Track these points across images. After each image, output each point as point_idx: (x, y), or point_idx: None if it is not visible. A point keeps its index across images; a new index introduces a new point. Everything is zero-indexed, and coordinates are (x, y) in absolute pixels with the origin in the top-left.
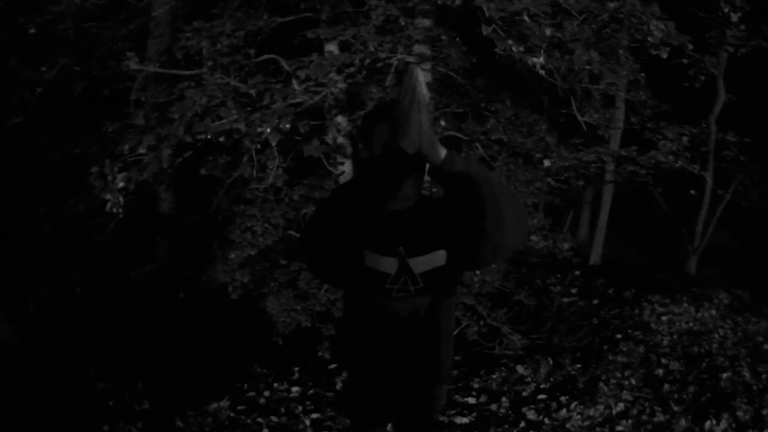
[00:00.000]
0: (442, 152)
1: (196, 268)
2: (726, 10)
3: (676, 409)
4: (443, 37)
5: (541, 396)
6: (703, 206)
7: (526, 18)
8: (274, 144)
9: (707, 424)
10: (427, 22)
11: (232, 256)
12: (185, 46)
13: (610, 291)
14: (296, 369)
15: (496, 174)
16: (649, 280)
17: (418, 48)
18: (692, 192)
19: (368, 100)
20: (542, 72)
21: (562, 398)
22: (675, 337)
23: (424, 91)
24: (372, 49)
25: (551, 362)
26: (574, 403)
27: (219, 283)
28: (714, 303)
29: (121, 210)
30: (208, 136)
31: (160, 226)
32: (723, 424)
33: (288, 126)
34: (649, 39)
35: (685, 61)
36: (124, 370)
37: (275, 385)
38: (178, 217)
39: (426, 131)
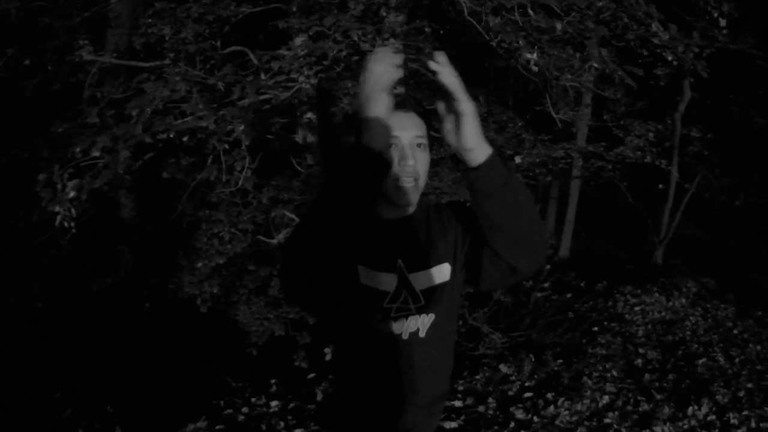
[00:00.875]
0: (484, 152)
1: (162, 277)
2: (715, 15)
3: (658, 397)
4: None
5: (528, 394)
6: (669, 199)
7: (530, 12)
8: (246, 144)
9: (689, 410)
10: (400, 18)
11: (199, 265)
12: (146, 33)
13: (582, 284)
14: (273, 381)
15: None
16: (618, 271)
17: (390, 43)
18: (660, 186)
19: (342, 96)
20: (535, 68)
21: (549, 395)
22: (649, 326)
23: (381, 71)
24: (356, 38)
25: (534, 359)
26: (561, 399)
27: (187, 295)
28: (683, 291)
29: (73, 224)
30: (171, 135)
31: (121, 235)
32: (704, 409)
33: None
34: (654, 40)
35: (671, 61)
36: (92, 393)
37: (253, 400)
38: (141, 224)
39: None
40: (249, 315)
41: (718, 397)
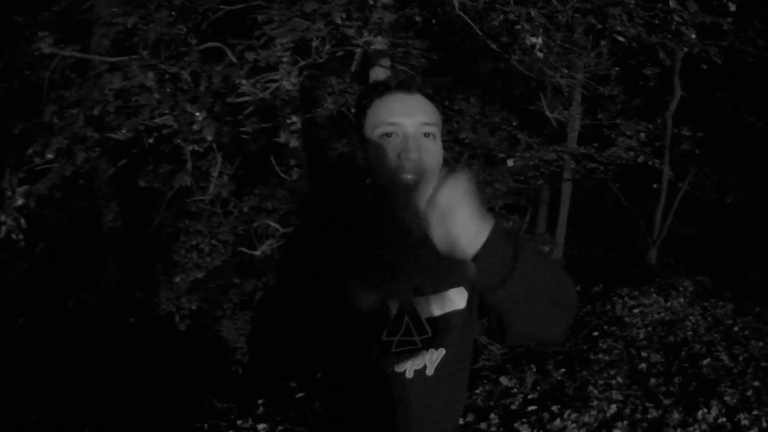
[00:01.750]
0: (479, 237)
1: (147, 290)
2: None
3: (666, 402)
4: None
5: (532, 407)
6: (661, 198)
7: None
8: (209, 138)
9: (699, 413)
10: (388, 15)
11: (177, 279)
12: (110, 23)
13: (578, 287)
14: (260, 402)
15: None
16: (613, 273)
17: (378, 41)
18: (655, 186)
19: (327, 96)
20: (540, 54)
21: (554, 407)
22: (650, 328)
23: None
24: (339, 21)
25: (535, 370)
26: (567, 411)
27: (164, 311)
28: (680, 291)
29: (21, 237)
30: (125, 131)
31: (105, 245)
32: (714, 411)
33: (226, 110)
34: (675, 17)
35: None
36: (71, 415)
37: (239, 422)
38: (125, 234)
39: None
40: (233, 331)
41: (726, 398)
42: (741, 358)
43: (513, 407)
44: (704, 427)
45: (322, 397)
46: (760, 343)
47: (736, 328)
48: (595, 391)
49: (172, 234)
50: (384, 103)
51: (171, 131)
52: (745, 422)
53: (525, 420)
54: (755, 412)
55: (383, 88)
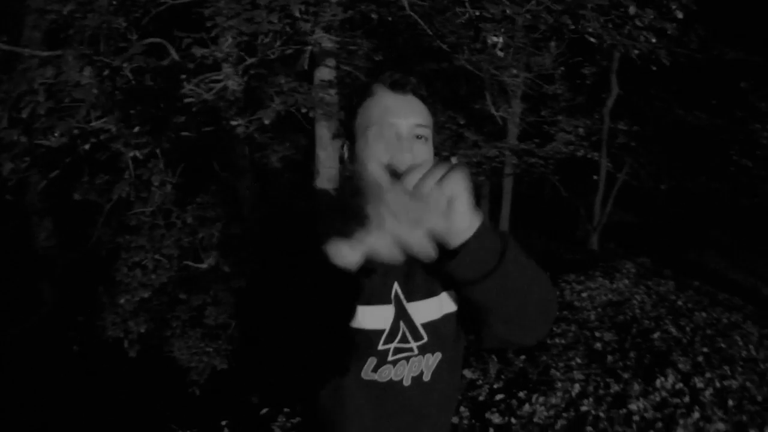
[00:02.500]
0: (469, 226)
1: (89, 314)
2: (673, 6)
3: (625, 376)
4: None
5: (499, 396)
6: (600, 188)
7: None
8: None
9: (657, 382)
10: (341, 12)
11: (122, 301)
12: (43, 10)
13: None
14: (224, 423)
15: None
16: (558, 261)
17: (324, 39)
18: (595, 177)
19: (274, 95)
20: (500, 53)
21: (520, 394)
22: (600, 310)
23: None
24: (297, 14)
25: (497, 360)
26: (534, 396)
27: (111, 338)
28: (624, 273)
29: None
30: (58, 136)
31: (40, 266)
32: (670, 379)
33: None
34: (637, 22)
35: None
36: None
37: None
38: (61, 253)
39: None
40: (185, 350)
41: (680, 365)
42: (688, 328)
43: (481, 398)
44: (663, 393)
45: (312, 411)
46: (703, 314)
47: (679, 303)
48: (558, 374)
49: (112, 251)
50: (377, 102)
51: (109, 135)
52: (700, 385)
53: (495, 409)
54: (708, 375)
55: (377, 87)
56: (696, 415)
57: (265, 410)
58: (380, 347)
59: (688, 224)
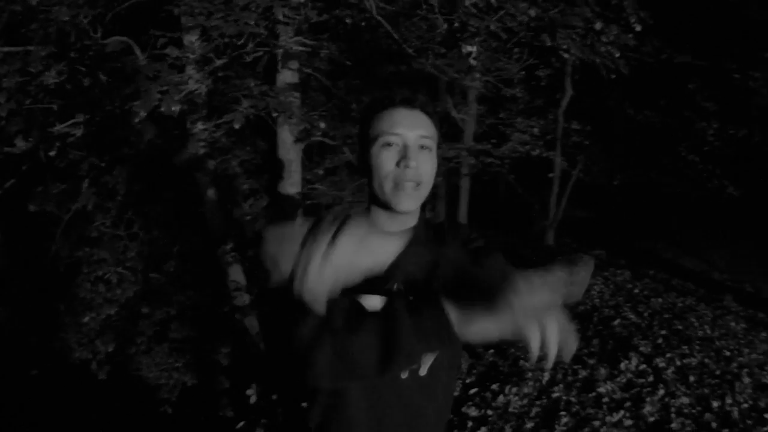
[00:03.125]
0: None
1: (48, 333)
2: (632, 20)
3: (591, 362)
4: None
5: (473, 390)
6: (554, 185)
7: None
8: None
9: (622, 365)
10: (314, 14)
11: (87, 319)
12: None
13: None
14: None
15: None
16: (515, 256)
17: (295, 43)
18: (550, 175)
19: (242, 99)
20: (473, 62)
21: (493, 386)
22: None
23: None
24: (281, 17)
25: (467, 355)
26: (507, 387)
27: (79, 360)
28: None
29: None
30: (24, 142)
31: None
32: (634, 361)
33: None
34: (603, 38)
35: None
36: None
37: None
38: (15, 270)
39: None
40: (153, 367)
41: (641, 348)
42: (646, 314)
43: (456, 394)
44: (629, 375)
45: (308, 403)
46: (659, 300)
47: (636, 291)
48: (527, 364)
49: (72, 265)
50: (388, 115)
51: (74, 140)
52: (662, 365)
53: (471, 403)
54: (668, 355)
55: (388, 102)
56: (661, 392)
57: (241, 424)
58: None
59: (640, 217)
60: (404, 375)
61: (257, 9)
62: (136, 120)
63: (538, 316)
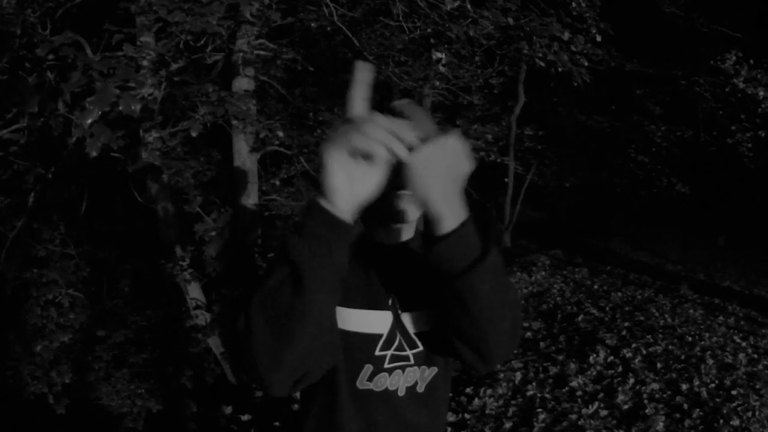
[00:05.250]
0: (454, 217)
1: (3, 358)
2: (593, 31)
3: (560, 358)
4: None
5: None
6: (509, 189)
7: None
8: (94, 153)
9: (590, 359)
10: (278, 17)
11: (39, 348)
12: None
13: None
14: None
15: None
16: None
17: (254, 47)
18: (505, 179)
19: (199, 105)
20: (443, 68)
21: (467, 390)
22: (523, 302)
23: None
24: (249, 15)
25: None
26: (482, 389)
27: (34, 395)
28: (539, 266)
29: None
30: None
31: None
32: (602, 354)
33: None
34: (572, 48)
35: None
36: None
37: None
38: None
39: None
40: (114, 395)
41: (607, 341)
42: (607, 308)
43: None
44: (598, 367)
45: (303, 422)
46: (619, 293)
47: (595, 287)
48: (498, 366)
49: (20, 288)
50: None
51: (18, 148)
52: (629, 355)
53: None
54: (634, 345)
55: (386, 112)
56: (631, 381)
57: None
58: (377, 353)
59: (593, 216)
60: (402, 393)
61: (221, 6)
62: (89, 121)
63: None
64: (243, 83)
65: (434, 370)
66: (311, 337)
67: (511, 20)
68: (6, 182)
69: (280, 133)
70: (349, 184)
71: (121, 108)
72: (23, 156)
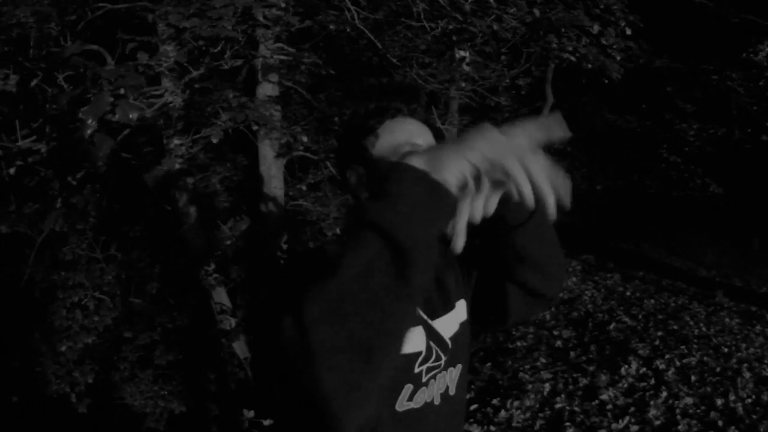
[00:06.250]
0: None
1: (27, 361)
2: (622, 24)
3: (590, 369)
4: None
5: (474, 406)
6: None
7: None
8: (100, 162)
9: (622, 370)
10: (296, 21)
11: (64, 348)
12: None
13: None
14: None
15: None
16: None
17: (275, 51)
18: None
19: (221, 112)
20: (467, 68)
21: (494, 401)
22: (554, 309)
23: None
24: (261, 18)
25: None
26: (508, 401)
27: (56, 393)
28: (570, 271)
29: None
30: None
31: None
32: (634, 365)
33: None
34: (603, 41)
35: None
36: None
37: None
38: None
39: None
40: (138, 395)
41: (639, 351)
42: (640, 316)
43: None
44: (630, 379)
45: None
46: (652, 301)
47: (627, 293)
48: (526, 376)
49: (47, 290)
50: (401, 125)
51: (39, 158)
52: (662, 366)
53: (472, 420)
54: (667, 356)
55: (395, 111)
56: (664, 394)
57: None
58: (416, 370)
59: (625, 220)
60: (438, 401)
61: (236, 12)
62: (88, 131)
63: (515, 153)
64: (267, 89)
65: (459, 367)
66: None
67: (537, 12)
68: (34, 188)
69: (304, 138)
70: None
71: (117, 117)
72: (46, 164)
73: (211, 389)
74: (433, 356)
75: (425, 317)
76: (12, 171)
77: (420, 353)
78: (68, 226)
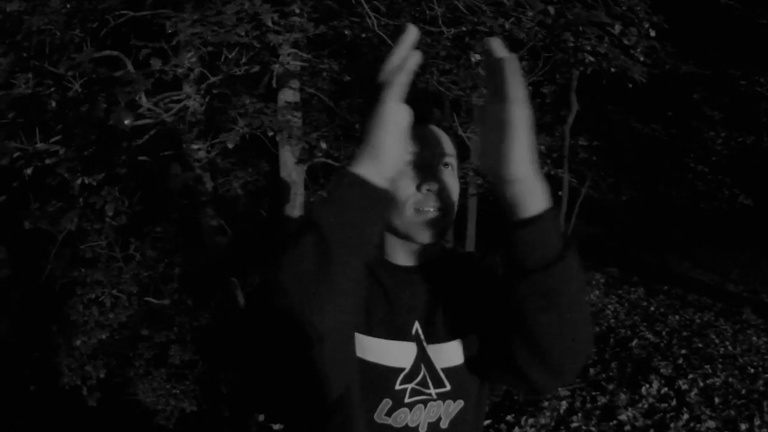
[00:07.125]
0: (539, 198)
1: (45, 353)
2: (646, 25)
3: (610, 387)
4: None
5: (487, 422)
6: (563, 203)
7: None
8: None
9: (643, 389)
10: (311, 27)
11: (78, 343)
12: None
13: None
14: None
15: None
16: None
17: (292, 57)
18: (559, 193)
19: (238, 117)
20: (483, 72)
21: (508, 417)
22: None
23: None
24: (270, 23)
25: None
26: (523, 418)
27: (68, 385)
28: (593, 284)
29: None
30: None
31: None
32: (655, 384)
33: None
34: (625, 41)
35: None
36: None
37: None
38: (15, 285)
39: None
40: (150, 392)
41: (662, 370)
42: (664, 333)
43: None
44: (650, 400)
45: None
46: (677, 317)
47: (651, 308)
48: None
49: (67, 285)
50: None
51: (57, 159)
52: (684, 387)
53: None
54: (690, 376)
55: (424, 117)
56: (685, 416)
57: None
58: (397, 387)
59: (651, 231)
60: (423, 429)
61: (246, 18)
62: (126, 121)
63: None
64: (287, 95)
65: (461, 403)
66: (339, 310)
67: (551, 9)
68: (56, 187)
69: (323, 145)
70: (397, 142)
71: (111, 122)
72: (65, 165)
73: (223, 391)
74: (419, 378)
75: (422, 338)
76: (29, 171)
77: (403, 369)
78: (89, 225)
